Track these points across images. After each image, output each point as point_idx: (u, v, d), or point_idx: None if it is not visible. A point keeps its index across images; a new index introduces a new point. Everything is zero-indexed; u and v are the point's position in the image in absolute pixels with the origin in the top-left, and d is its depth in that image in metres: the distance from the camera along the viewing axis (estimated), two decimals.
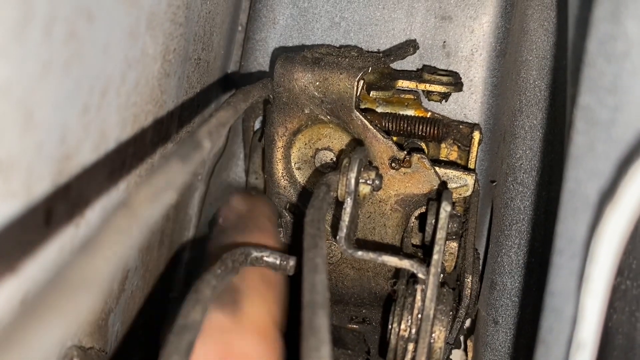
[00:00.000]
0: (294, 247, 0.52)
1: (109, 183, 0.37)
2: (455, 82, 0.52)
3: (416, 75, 0.53)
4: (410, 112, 0.53)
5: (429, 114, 0.53)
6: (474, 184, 0.50)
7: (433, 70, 0.54)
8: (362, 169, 0.43)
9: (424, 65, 0.56)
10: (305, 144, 0.50)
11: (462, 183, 0.49)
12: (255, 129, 0.57)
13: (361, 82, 0.46)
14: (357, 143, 0.48)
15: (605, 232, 0.29)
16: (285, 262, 0.40)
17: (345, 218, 0.42)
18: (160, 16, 0.40)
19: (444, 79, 0.52)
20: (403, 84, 0.52)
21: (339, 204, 0.44)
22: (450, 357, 0.51)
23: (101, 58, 0.32)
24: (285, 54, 0.47)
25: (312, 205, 0.38)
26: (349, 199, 0.42)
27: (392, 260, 0.41)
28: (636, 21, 0.29)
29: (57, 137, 0.30)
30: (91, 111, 0.33)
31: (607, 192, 0.30)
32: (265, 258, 0.40)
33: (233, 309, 0.34)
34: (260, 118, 0.57)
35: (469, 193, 0.49)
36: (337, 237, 0.42)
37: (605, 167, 0.30)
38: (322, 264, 0.31)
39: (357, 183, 0.42)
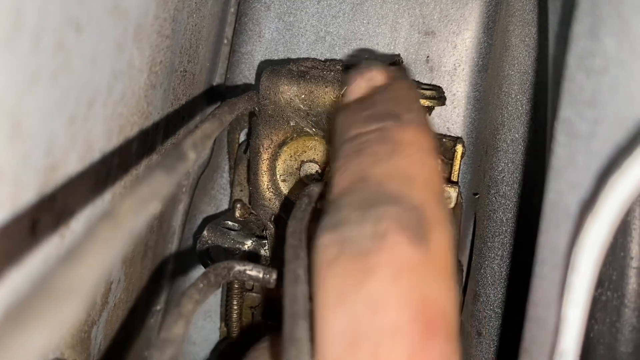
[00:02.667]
0: (277, 258, 0.52)
1: (94, 194, 0.37)
2: (439, 96, 0.53)
3: None
4: None
5: None
6: (457, 197, 0.50)
7: (416, 84, 0.55)
8: None
9: None
10: (291, 156, 0.50)
11: (445, 196, 0.50)
12: (241, 141, 0.57)
13: None
14: None
15: (586, 243, 0.30)
16: (268, 276, 0.40)
17: None
18: (147, 28, 0.40)
19: (427, 93, 0.52)
20: None
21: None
22: None
23: (89, 69, 0.32)
24: (271, 67, 0.48)
25: (294, 217, 0.38)
26: None
27: None
28: (614, 38, 0.30)
29: (44, 147, 0.30)
30: (78, 122, 0.33)
31: (587, 203, 0.31)
32: (248, 272, 0.40)
33: (424, 245, 0.27)
34: (245, 130, 0.57)
35: (452, 205, 0.50)
36: None
37: (585, 179, 0.31)
38: (304, 275, 0.31)
39: None
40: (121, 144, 0.40)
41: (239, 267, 0.39)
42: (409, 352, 0.24)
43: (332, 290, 0.26)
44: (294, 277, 0.31)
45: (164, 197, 0.25)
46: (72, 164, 0.33)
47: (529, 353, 0.33)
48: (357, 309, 0.25)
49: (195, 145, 0.31)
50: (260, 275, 0.40)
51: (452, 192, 0.50)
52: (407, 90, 0.37)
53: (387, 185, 0.29)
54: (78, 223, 0.35)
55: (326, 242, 0.28)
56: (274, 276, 0.40)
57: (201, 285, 0.35)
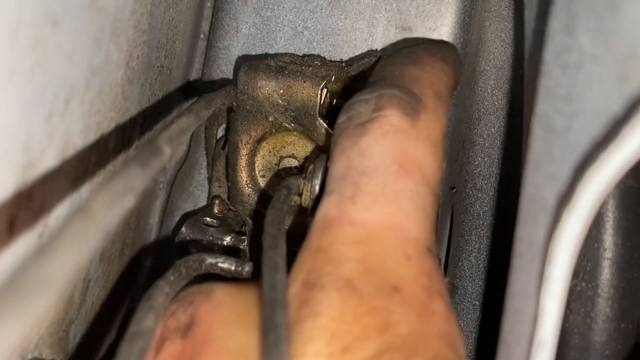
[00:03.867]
0: (256, 253, 0.52)
1: (71, 190, 0.37)
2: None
3: None
4: None
5: None
6: None
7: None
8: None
9: None
10: (270, 152, 0.50)
11: None
12: (219, 136, 0.57)
13: (324, 90, 0.47)
14: (321, 150, 0.48)
15: (563, 235, 0.30)
16: (240, 268, 0.40)
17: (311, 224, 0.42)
18: (124, 23, 0.39)
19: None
20: None
21: (303, 211, 0.44)
22: None
23: (66, 65, 0.32)
24: (249, 62, 0.48)
25: (273, 207, 0.38)
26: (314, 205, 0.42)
27: None
28: (589, 34, 0.31)
29: (21, 144, 0.29)
30: (55, 118, 0.32)
31: (564, 197, 0.31)
32: (220, 264, 0.39)
33: (412, 119, 0.34)
34: (223, 126, 0.57)
35: None
36: (304, 243, 0.42)
37: (562, 173, 0.31)
38: (282, 264, 0.31)
39: (322, 189, 0.43)
40: (98, 140, 0.39)
41: (210, 260, 0.39)
42: (380, 184, 0.32)
43: (338, 148, 0.34)
44: (272, 265, 0.31)
45: (139, 191, 0.25)
46: (50, 161, 0.33)
47: (507, 344, 0.34)
48: (351, 157, 0.33)
49: (171, 140, 0.31)
50: (233, 268, 0.39)
51: None
52: (443, 44, 0.46)
53: (397, 80, 0.37)
54: (56, 220, 0.35)
55: (342, 118, 0.36)
56: (247, 268, 0.39)
57: (172, 278, 0.35)
